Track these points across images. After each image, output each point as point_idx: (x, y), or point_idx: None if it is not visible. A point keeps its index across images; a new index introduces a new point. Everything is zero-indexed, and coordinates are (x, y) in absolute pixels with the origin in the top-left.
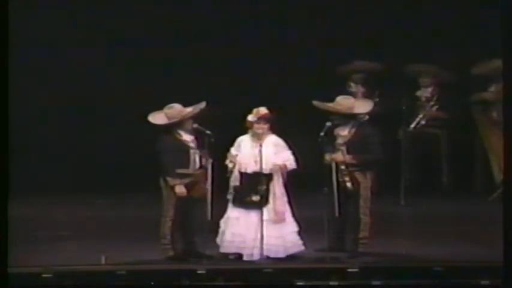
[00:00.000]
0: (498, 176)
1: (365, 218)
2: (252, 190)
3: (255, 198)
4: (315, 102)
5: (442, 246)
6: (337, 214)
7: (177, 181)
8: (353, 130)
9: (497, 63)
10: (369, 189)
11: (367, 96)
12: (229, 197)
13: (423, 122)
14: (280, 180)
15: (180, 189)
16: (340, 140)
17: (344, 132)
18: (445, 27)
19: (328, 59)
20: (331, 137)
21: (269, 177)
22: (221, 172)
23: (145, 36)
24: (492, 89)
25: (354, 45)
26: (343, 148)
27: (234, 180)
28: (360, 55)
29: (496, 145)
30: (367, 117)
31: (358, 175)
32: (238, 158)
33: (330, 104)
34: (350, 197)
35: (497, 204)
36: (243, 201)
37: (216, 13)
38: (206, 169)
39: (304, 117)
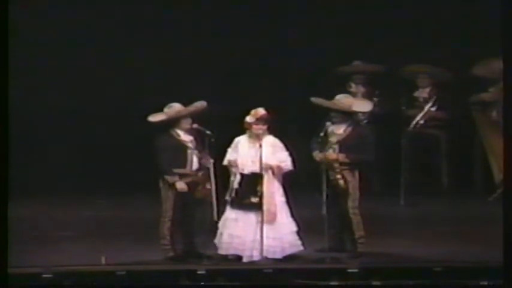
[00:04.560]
0: (498, 176)
1: (356, 217)
2: (251, 191)
3: (254, 199)
4: (314, 99)
5: (442, 246)
6: (324, 212)
7: (176, 178)
8: (349, 129)
9: (496, 63)
10: (357, 188)
11: (367, 96)
12: (227, 198)
13: (422, 122)
14: (274, 180)
15: (181, 185)
16: (334, 138)
17: (339, 131)
18: (444, 27)
19: (327, 60)
20: (328, 135)
21: (264, 177)
22: (222, 172)
23: (145, 37)
24: (491, 89)
25: (353, 46)
26: (336, 146)
27: (236, 183)
28: (360, 55)
29: (495, 145)
30: (366, 118)
31: (346, 174)
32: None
33: (329, 102)
34: (341, 195)
35: (497, 204)
36: (241, 203)
37: (215, 13)
38: (207, 169)
39: (303, 118)
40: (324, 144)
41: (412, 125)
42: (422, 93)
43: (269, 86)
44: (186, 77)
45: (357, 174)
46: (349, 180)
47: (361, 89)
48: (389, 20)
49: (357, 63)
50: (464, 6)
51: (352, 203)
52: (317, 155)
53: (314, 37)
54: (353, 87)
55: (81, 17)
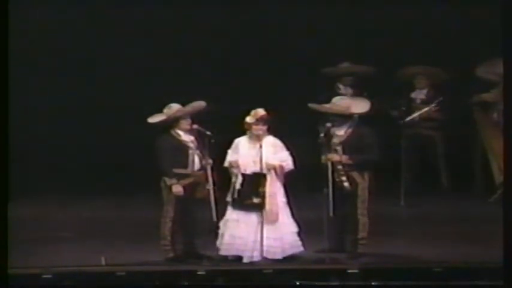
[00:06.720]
0: (498, 176)
1: (363, 219)
2: (252, 192)
3: (256, 200)
4: (311, 105)
5: (442, 247)
6: (331, 214)
7: (174, 181)
8: (349, 130)
9: (497, 65)
10: (366, 190)
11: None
12: (229, 199)
13: (421, 123)
14: (276, 180)
15: (177, 189)
16: (336, 140)
17: (340, 132)
18: (443, 27)
19: (326, 60)
20: (329, 137)
21: (267, 178)
22: (222, 173)
23: (145, 37)
24: (492, 89)
25: (354, 46)
26: (339, 148)
27: (238, 183)
28: (360, 55)
29: (495, 146)
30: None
31: (355, 175)
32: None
33: (327, 105)
34: (348, 197)
35: (497, 205)
36: (243, 204)
37: (215, 13)
38: (206, 170)
39: (302, 118)
40: (325, 145)
41: (411, 126)
42: (421, 94)
43: (269, 86)
44: (186, 77)
45: (366, 176)
46: (358, 182)
47: (350, 91)
48: (387, 20)
49: (346, 64)
50: (464, 5)
51: (362, 204)
52: (321, 157)
53: (314, 37)
54: (342, 89)
55: (81, 16)
